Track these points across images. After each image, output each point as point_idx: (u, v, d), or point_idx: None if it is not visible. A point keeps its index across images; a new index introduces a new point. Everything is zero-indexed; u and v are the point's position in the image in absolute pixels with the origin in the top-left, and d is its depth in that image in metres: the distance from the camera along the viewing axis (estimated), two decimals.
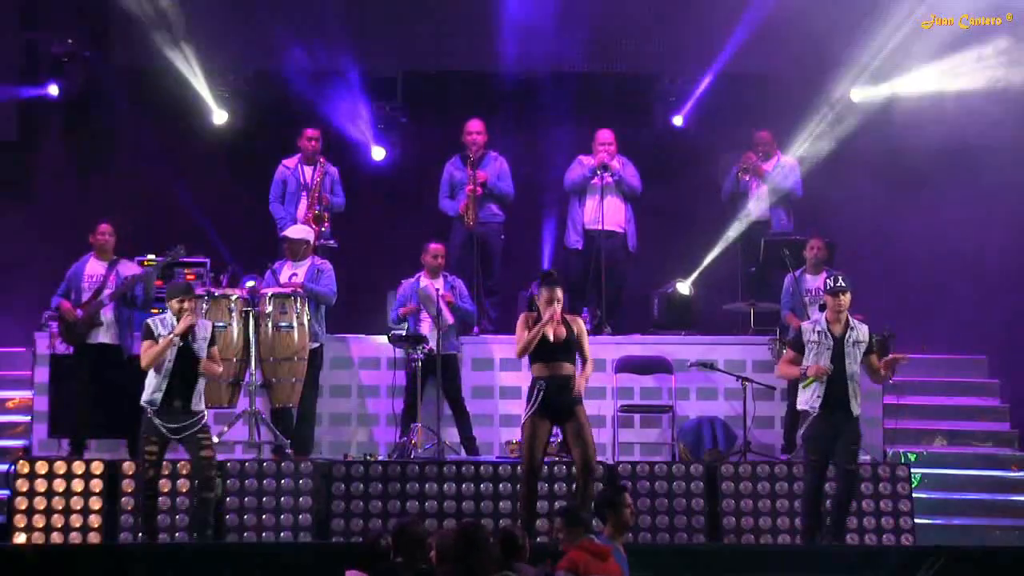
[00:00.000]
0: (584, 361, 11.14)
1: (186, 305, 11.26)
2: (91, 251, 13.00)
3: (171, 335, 11.21)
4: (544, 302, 11.05)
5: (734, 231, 14.39)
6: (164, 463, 11.73)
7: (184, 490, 12.07)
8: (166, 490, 12.10)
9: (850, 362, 11.24)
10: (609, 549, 8.94)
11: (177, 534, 12.00)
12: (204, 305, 12.32)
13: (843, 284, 11.33)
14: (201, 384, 11.33)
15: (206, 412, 11.39)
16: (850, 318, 11.35)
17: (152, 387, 11.25)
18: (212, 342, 11.47)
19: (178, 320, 11.26)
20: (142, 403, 11.28)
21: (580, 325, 11.18)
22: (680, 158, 15.37)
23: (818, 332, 11.33)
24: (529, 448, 11.00)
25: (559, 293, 11.09)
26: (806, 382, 11.28)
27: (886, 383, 12.39)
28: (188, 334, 11.28)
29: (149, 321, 11.37)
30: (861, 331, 11.34)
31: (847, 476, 11.29)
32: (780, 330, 13.39)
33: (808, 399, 11.30)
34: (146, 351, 11.30)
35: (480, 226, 14.13)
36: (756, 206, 14.52)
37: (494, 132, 14.44)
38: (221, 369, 11.66)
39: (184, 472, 12.06)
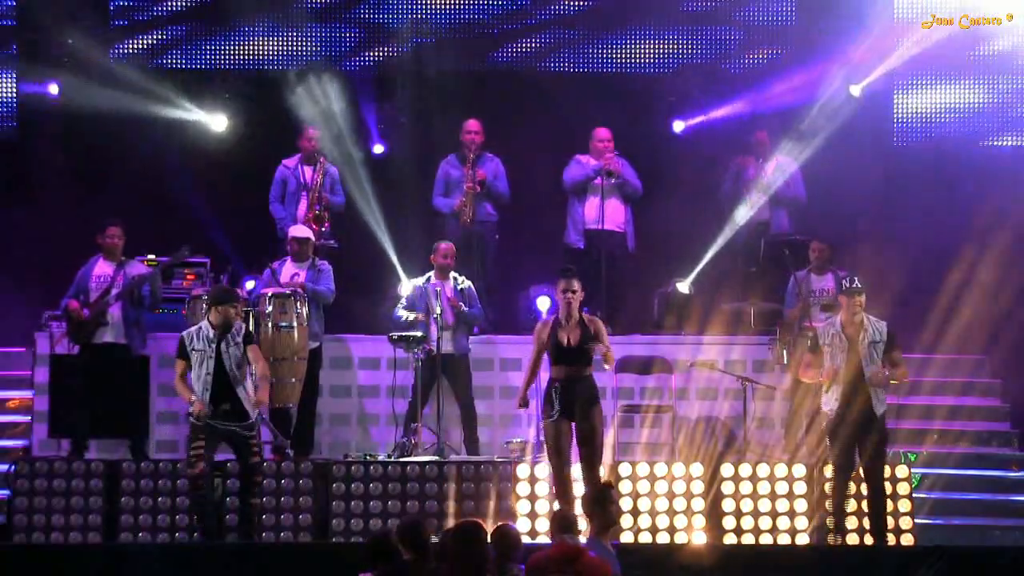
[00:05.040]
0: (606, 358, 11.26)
1: (231, 311, 11.34)
2: (99, 253, 12.98)
3: (195, 408, 11.28)
4: (559, 291, 11.28)
5: (732, 231, 14.38)
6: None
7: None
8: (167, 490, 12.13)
9: (866, 363, 11.25)
10: (577, 550, 8.87)
11: (177, 534, 11.99)
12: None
13: (859, 285, 11.37)
14: (246, 387, 11.36)
15: (257, 416, 11.49)
16: (866, 318, 11.36)
17: (195, 398, 11.36)
18: (249, 340, 11.49)
19: (214, 328, 11.30)
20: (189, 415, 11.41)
21: (599, 326, 11.32)
22: (680, 158, 15.35)
23: (832, 334, 11.35)
24: (555, 455, 11.16)
25: (575, 284, 11.23)
26: (826, 385, 11.32)
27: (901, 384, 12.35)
28: (222, 339, 11.34)
29: (183, 334, 11.50)
30: (878, 330, 11.34)
31: (871, 475, 11.31)
32: (780, 330, 13.38)
33: (828, 401, 11.34)
34: (178, 377, 11.45)
35: (476, 225, 14.14)
36: (756, 207, 14.52)
37: (493, 132, 14.44)
38: (263, 365, 11.65)
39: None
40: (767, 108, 14.85)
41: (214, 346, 11.34)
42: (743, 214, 14.40)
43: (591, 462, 11.14)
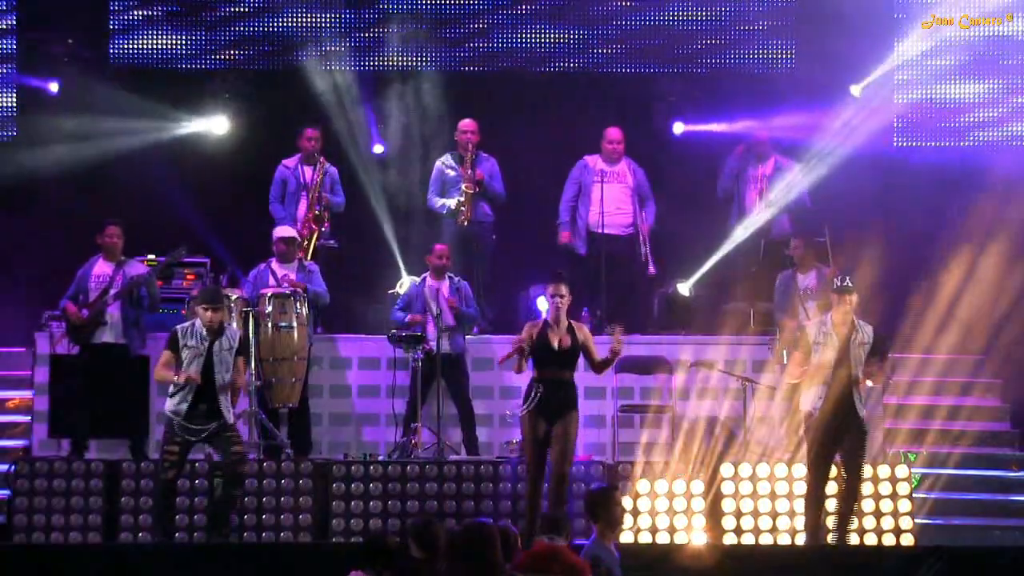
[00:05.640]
0: (596, 365, 11.36)
1: (210, 315, 11.29)
2: (99, 252, 12.97)
3: (181, 377, 11.25)
4: (548, 295, 11.40)
5: (738, 237, 14.35)
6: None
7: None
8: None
9: (855, 363, 11.20)
10: (555, 549, 8.86)
11: (177, 534, 11.99)
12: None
13: (850, 284, 11.27)
14: (227, 394, 11.37)
15: (232, 419, 11.45)
16: (855, 319, 11.31)
17: (177, 398, 11.32)
18: (240, 351, 11.49)
19: (207, 329, 11.28)
20: (167, 411, 11.37)
21: (586, 332, 11.42)
22: (680, 159, 15.36)
23: (824, 333, 11.29)
24: (531, 446, 11.27)
25: (562, 289, 11.29)
26: (806, 383, 11.27)
27: (885, 386, 12.38)
28: (215, 341, 11.31)
29: (177, 328, 11.47)
30: (866, 332, 11.28)
31: (853, 475, 11.30)
32: (780, 330, 13.38)
33: (812, 399, 11.29)
34: (162, 364, 11.40)
35: (473, 225, 14.14)
36: (755, 209, 14.49)
37: (492, 132, 14.45)
38: (244, 379, 11.72)
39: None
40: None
41: (206, 345, 11.33)
42: (754, 222, 14.33)
43: (562, 463, 11.24)
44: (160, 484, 11.51)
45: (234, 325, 12.12)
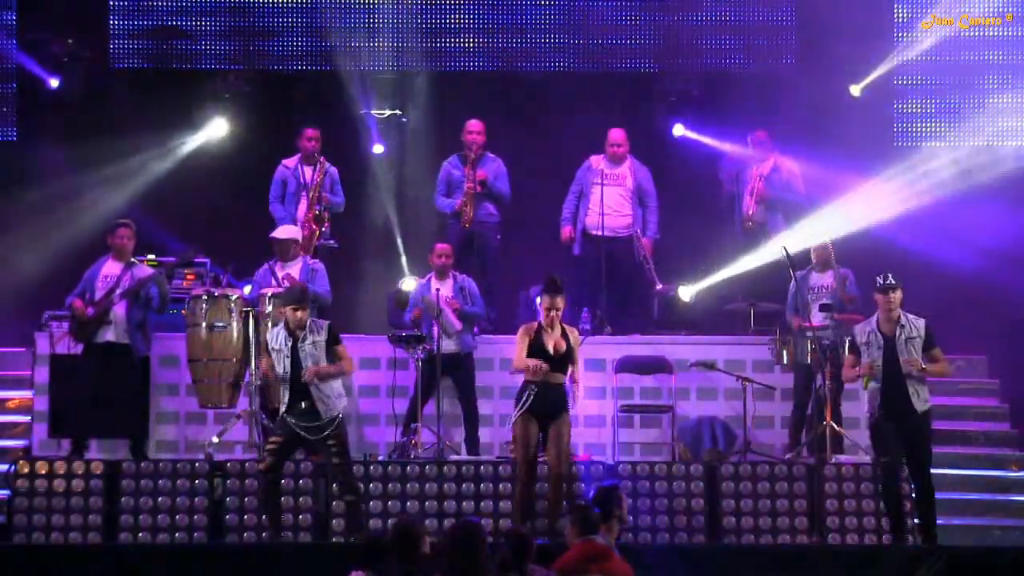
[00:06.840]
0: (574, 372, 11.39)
1: (299, 315, 11.30)
2: (108, 253, 12.94)
3: (262, 368, 11.52)
4: (544, 309, 11.43)
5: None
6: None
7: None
8: (167, 489, 12.15)
9: (904, 360, 11.25)
10: (606, 550, 8.90)
11: (177, 534, 12.00)
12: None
13: (892, 282, 11.34)
14: (325, 385, 11.34)
15: (339, 414, 11.42)
16: (902, 315, 11.36)
17: (277, 399, 11.42)
18: (335, 341, 11.42)
19: (288, 328, 11.32)
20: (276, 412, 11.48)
21: (576, 337, 11.48)
22: (680, 159, 15.36)
23: (868, 332, 11.35)
24: (523, 447, 11.33)
25: (559, 302, 11.33)
26: (864, 382, 11.29)
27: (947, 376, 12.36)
28: (299, 338, 11.32)
29: (268, 334, 11.59)
30: (916, 327, 11.36)
31: (921, 473, 11.35)
32: (780, 330, 13.37)
33: (871, 401, 11.34)
34: (265, 366, 11.55)
35: (476, 225, 14.14)
36: (750, 208, 14.47)
37: (496, 132, 14.45)
38: (349, 368, 11.61)
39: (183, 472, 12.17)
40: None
41: (290, 346, 11.32)
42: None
43: (559, 465, 11.34)
44: (260, 480, 11.49)
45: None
